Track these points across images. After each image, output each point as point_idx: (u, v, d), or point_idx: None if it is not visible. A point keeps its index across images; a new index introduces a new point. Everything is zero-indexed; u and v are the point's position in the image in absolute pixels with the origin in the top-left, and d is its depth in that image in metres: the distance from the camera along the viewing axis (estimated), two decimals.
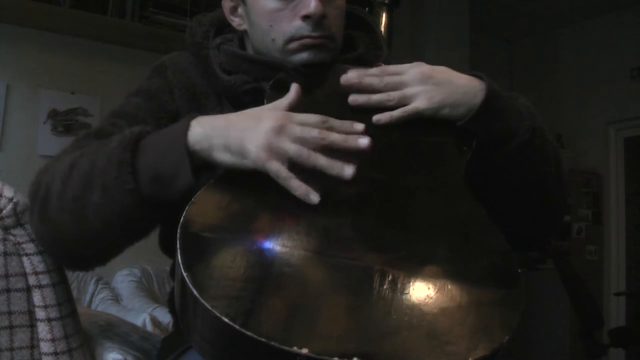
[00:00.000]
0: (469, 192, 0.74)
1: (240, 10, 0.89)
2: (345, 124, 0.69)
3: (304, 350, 0.53)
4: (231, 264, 0.60)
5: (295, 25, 0.81)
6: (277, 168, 0.65)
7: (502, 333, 0.59)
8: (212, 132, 0.68)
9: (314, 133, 0.66)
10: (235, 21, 0.90)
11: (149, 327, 2.38)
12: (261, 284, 0.59)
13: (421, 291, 0.62)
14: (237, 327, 0.54)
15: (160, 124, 0.82)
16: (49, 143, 2.97)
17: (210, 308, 0.55)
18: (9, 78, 2.91)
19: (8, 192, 0.79)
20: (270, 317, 0.56)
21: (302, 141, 0.66)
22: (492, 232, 0.70)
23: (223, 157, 0.67)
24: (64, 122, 3.02)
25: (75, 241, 0.73)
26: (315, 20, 0.80)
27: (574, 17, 4.08)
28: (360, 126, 0.69)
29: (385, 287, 0.61)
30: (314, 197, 0.65)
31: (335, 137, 0.67)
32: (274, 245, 0.62)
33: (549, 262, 3.43)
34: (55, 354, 0.81)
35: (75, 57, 3.05)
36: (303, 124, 0.67)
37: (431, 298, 0.61)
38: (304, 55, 0.82)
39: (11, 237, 0.79)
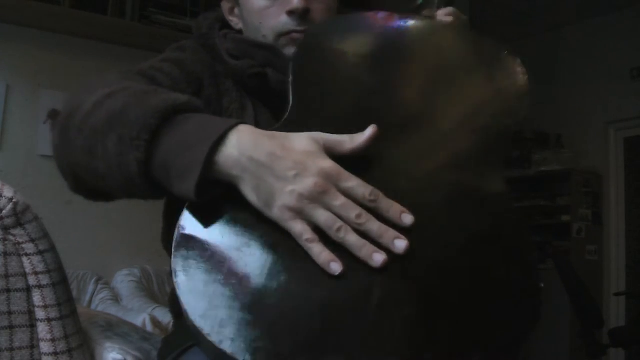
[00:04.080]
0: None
1: (236, 10, 0.95)
2: (393, 211, 0.61)
3: None
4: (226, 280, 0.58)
5: (282, 21, 0.86)
6: (300, 230, 0.59)
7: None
8: (247, 163, 0.60)
9: (352, 215, 0.59)
10: (233, 21, 0.96)
11: (149, 327, 2.38)
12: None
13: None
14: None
15: (191, 86, 0.84)
16: (49, 143, 2.97)
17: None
18: (9, 78, 2.92)
19: (8, 192, 0.79)
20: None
21: (337, 214, 0.59)
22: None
23: (249, 194, 0.61)
24: None
25: (83, 166, 0.70)
26: (300, 15, 0.84)
27: (574, 17, 4.08)
28: (408, 219, 0.60)
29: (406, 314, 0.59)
30: (336, 268, 0.58)
31: (372, 228, 0.59)
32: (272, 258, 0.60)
33: (549, 262, 3.43)
34: (55, 354, 0.81)
35: (75, 57, 3.05)
36: (347, 194, 0.60)
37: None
38: (292, 50, 0.85)
39: (11, 237, 0.79)
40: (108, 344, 0.91)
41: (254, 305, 0.57)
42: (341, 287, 0.58)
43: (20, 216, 0.79)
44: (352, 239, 0.59)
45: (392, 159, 0.68)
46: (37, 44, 2.96)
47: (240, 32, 0.95)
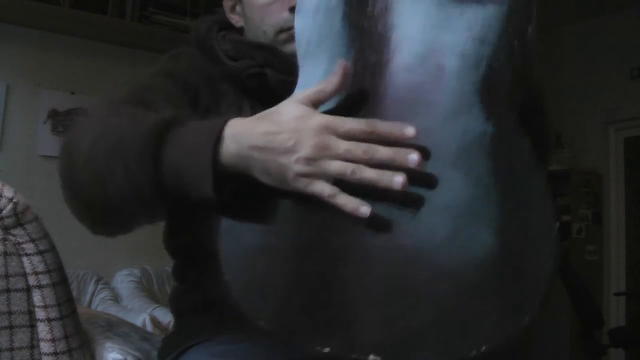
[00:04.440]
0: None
1: (238, 8, 0.95)
2: (394, 130, 0.61)
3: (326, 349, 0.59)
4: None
5: (284, 17, 0.87)
6: (320, 189, 0.61)
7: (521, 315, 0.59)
8: (248, 152, 0.62)
9: (358, 153, 0.60)
10: (234, 19, 0.96)
11: (149, 327, 2.38)
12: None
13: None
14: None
15: (185, 97, 0.84)
16: (49, 143, 2.97)
17: None
18: (9, 78, 2.92)
19: (8, 192, 0.79)
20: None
21: (346, 159, 0.61)
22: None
23: (263, 178, 0.63)
24: (64, 122, 3.03)
25: (97, 207, 0.72)
26: None
27: (574, 17, 4.08)
28: (411, 131, 0.61)
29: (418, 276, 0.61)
30: (365, 210, 0.60)
31: (381, 156, 0.60)
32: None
33: None
34: (55, 354, 0.81)
35: (75, 57, 3.05)
36: (348, 137, 0.61)
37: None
38: (293, 47, 0.84)
39: (11, 237, 0.79)
40: (108, 344, 0.91)
41: (291, 279, 0.63)
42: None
43: (20, 216, 0.79)
44: (368, 174, 0.60)
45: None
46: (37, 44, 2.96)
47: (240, 31, 0.96)
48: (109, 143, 0.68)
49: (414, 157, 0.60)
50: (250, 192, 0.65)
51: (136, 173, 0.65)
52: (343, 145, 0.60)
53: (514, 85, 0.66)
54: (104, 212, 0.73)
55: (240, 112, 0.87)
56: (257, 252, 0.65)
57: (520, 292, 0.60)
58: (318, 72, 0.69)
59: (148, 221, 0.74)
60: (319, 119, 0.61)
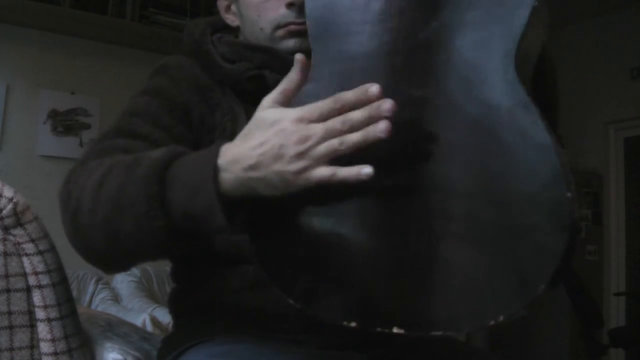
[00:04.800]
0: None
1: (233, 7, 0.94)
2: (358, 94, 0.62)
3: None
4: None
5: (281, 13, 0.86)
6: (320, 174, 0.62)
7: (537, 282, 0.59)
8: (246, 174, 0.63)
9: (337, 127, 0.61)
10: (230, 18, 0.95)
11: (149, 327, 2.38)
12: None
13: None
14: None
15: (174, 115, 0.84)
16: (49, 143, 2.97)
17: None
18: (9, 78, 2.92)
19: (8, 192, 0.79)
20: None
21: (329, 137, 0.62)
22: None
23: (271, 191, 0.64)
24: (64, 122, 3.03)
25: (107, 253, 0.74)
26: (299, 7, 0.85)
27: (574, 17, 4.08)
28: (374, 89, 0.61)
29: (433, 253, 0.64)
30: (367, 170, 0.61)
31: (358, 117, 0.61)
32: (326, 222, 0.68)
33: None
34: (55, 354, 0.81)
35: (75, 57, 3.05)
36: (323, 119, 0.62)
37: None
38: (290, 43, 0.87)
39: (11, 237, 0.79)
40: (108, 344, 0.91)
41: (318, 261, 0.68)
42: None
43: (20, 216, 0.79)
44: (355, 138, 0.61)
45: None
46: (37, 44, 2.96)
47: (235, 31, 0.95)
48: (110, 192, 0.69)
49: (387, 105, 0.60)
50: (265, 205, 0.68)
51: (146, 221, 0.66)
52: (321, 127, 0.61)
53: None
54: (114, 258, 0.75)
55: (236, 122, 0.86)
56: (287, 239, 0.70)
57: (534, 261, 0.61)
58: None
59: (163, 257, 0.77)
60: (291, 114, 0.63)
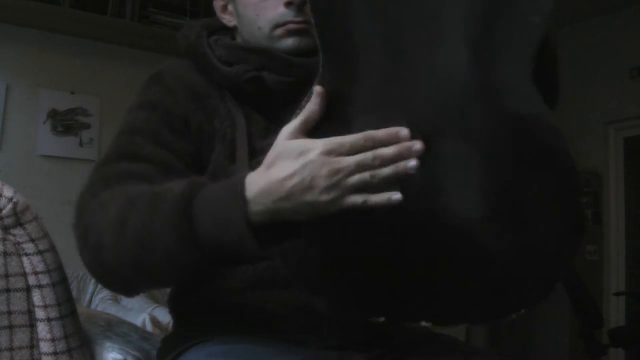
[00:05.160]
0: None
1: (230, 7, 0.94)
2: (389, 135, 0.65)
3: None
4: None
5: (280, 12, 0.86)
6: (352, 202, 0.64)
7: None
8: (276, 206, 0.65)
9: (369, 162, 0.64)
10: (226, 19, 0.95)
11: (149, 327, 2.38)
12: None
13: None
14: None
15: (174, 128, 0.84)
16: (49, 143, 2.98)
17: None
18: (9, 78, 2.92)
19: (8, 192, 0.79)
20: None
21: (360, 171, 0.64)
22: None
23: (299, 218, 0.67)
24: (63, 122, 3.03)
25: (134, 285, 0.78)
26: (298, 6, 0.85)
27: (574, 17, 4.08)
28: (406, 132, 0.64)
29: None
30: (397, 197, 0.64)
31: (389, 155, 0.64)
32: None
33: None
34: (55, 354, 0.81)
35: (75, 57, 3.05)
36: (352, 152, 0.64)
37: None
38: (289, 42, 0.87)
39: (11, 237, 0.79)
40: (108, 344, 0.91)
41: (347, 262, 0.72)
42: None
43: (20, 216, 0.79)
44: (385, 172, 0.64)
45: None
46: (37, 44, 2.96)
47: (231, 32, 0.95)
48: (136, 230, 0.70)
49: (418, 147, 0.64)
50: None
51: (178, 256, 0.68)
52: (353, 161, 0.64)
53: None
54: (139, 288, 0.79)
55: (235, 127, 0.86)
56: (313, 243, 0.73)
57: (549, 257, 0.70)
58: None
59: (187, 280, 0.80)
60: (319, 146, 0.64)
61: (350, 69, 0.69)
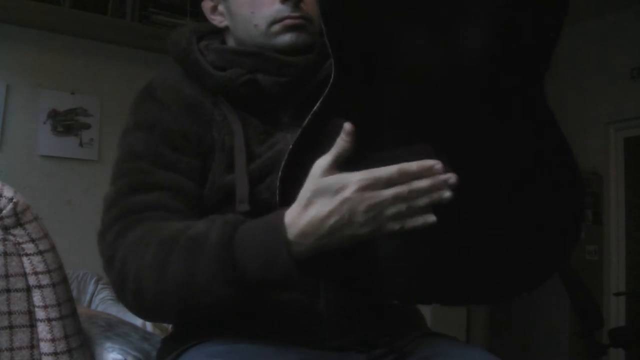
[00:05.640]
0: None
1: (220, 7, 0.93)
2: (422, 169, 0.67)
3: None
4: None
5: (276, 8, 0.86)
6: (391, 228, 0.68)
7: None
8: (318, 243, 0.68)
9: (405, 194, 0.66)
10: (216, 19, 0.94)
11: (149, 327, 2.38)
12: None
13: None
14: None
15: (174, 146, 0.84)
16: (49, 143, 2.97)
17: None
18: (9, 78, 2.92)
19: (8, 192, 0.79)
20: None
21: (396, 203, 0.67)
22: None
23: (339, 247, 0.69)
24: (64, 122, 3.02)
25: (180, 320, 0.83)
26: (294, 2, 0.85)
27: (574, 17, 4.08)
28: (438, 165, 0.67)
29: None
30: (432, 218, 0.68)
31: (423, 187, 0.67)
32: None
33: None
34: (55, 354, 0.81)
35: (75, 57, 3.05)
36: (388, 186, 0.67)
37: None
38: (286, 37, 0.86)
39: (11, 237, 0.79)
40: (108, 344, 0.91)
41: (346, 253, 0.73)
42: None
43: (20, 216, 0.79)
44: (420, 203, 0.67)
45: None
46: (37, 44, 2.96)
47: (221, 34, 0.94)
48: (179, 278, 0.72)
49: (453, 180, 0.67)
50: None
51: (225, 299, 0.72)
52: (389, 194, 0.66)
53: None
54: (181, 322, 0.83)
55: (232, 135, 0.85)
56: None
57: (551, 239, 0.77)
58: None
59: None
60: (355, 181, 0.67)
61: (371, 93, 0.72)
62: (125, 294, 0.77)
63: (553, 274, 0.78)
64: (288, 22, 0.86)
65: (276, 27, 0.86)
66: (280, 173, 0.71)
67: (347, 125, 0.67)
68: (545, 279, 0.77)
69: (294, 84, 0.86)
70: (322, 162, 0.68)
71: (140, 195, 0.80)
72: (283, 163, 0.71)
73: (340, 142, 0.68)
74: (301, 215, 0.68)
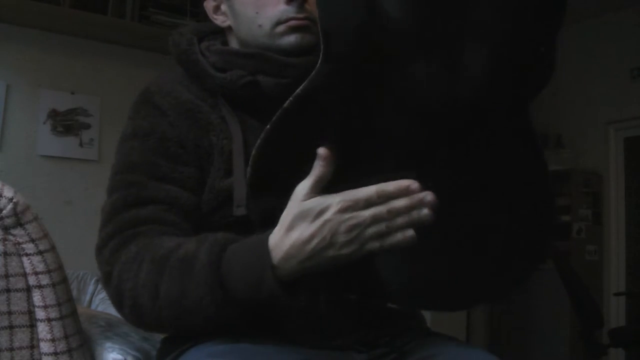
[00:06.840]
0: None
1: (223, 7, 0.92)
2: (399, 188, 0.68)
3: None
4: None
5: (281, 9, 0.85)
6: (370, 249, 0.69)
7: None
8: (301, 266, 0.70)
9: (383, 214, 0.67)
10: (219, 19, 0.93)
11: None
12: None
13: None
14: None
15: (169, 154, 0.84)
16: (49, 143, 2.97)
17: None
18: (9, 78, 2.92)
19: (8, 192, 0.79)
20: None
21: (375, 223, 0.68)
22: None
23: (320, 268, 0.71)
24: (63, 122, 3.02)
25: (177, 333, 0.84)
26: (299, 2, 0.85)
27: (574, 17, 4.08)
28: (415, 185, 0.68)
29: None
30: (411, 234, 0.68)
31: (402, 206, 0.68)
32: None
33: (549, 262, 3.43)
34: (55, 354, 0.81)
35: (75, 57, 3.05)
36: (368, 206, 0.68)
37: None
38: (291, 38, 0.86)
39: (11, 237, 0.79)
40: (108, 344, 0.92)
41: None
42: None
43: (20, 216, 0.79)
44: (399, 222, 0.68)
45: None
46: (37, 44, 2.96)
47: (222, 35, 0.93)
48: (172, 297, 0.75)
49: (430, 198, 0.67)
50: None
51: (216, 317, 0.74)
52: (368, 214, 0.68)
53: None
54: (182, 334, 0.84)
55: (231, 139, 0.85)
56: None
57: (523, 249, 0.82)
58: None
59: None
60: (334, 203, 0.68)
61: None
62: (123, 309, 0.79)
63: (536, 269, 0.84)
64: (293, 23, 0.85)
65: (281, 28, 0.85)
66: (254, 151, 0.71)
67: (322, 151, 0.69)
68: (530, 273, 0.85)
69: (295, 85, 0.86)
70: (303, 186, 0.70)
71: (134, 210, 0.81)
72: (258, 142, 0.71)
73: (317, 168, 0.69)
74: (284, 239, 0.70)
